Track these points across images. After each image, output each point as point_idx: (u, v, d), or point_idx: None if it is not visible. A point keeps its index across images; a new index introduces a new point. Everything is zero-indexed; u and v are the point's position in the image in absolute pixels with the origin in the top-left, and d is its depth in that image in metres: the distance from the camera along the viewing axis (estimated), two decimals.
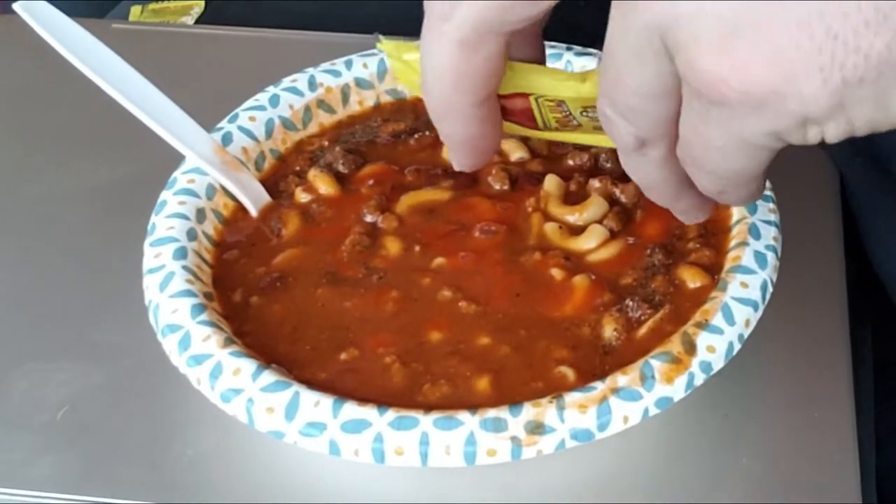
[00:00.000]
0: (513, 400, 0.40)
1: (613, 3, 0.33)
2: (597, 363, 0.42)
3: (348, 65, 0.55)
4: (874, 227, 0.57)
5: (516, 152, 0.51)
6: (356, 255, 0.47)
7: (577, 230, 0.47)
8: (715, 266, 0.45)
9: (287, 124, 0.53)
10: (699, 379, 0.41)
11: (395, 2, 0.80)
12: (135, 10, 0.83)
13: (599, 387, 0.40)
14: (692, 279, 0.45)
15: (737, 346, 0.42)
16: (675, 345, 0.41)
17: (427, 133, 0.53)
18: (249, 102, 0.53)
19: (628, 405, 0.39)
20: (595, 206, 0.48)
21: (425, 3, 0.39)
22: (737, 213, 0.47)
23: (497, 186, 0.50)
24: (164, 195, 0.48)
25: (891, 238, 0.56)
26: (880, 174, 0.55)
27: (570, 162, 0.51)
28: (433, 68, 0.39)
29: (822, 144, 0.32)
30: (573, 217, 0.48)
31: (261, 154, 0.52)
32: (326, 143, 0.53)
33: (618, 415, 0.39)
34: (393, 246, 0.47)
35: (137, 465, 0.44)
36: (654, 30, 0.31)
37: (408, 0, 0.80)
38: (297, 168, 0.52)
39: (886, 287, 0.57)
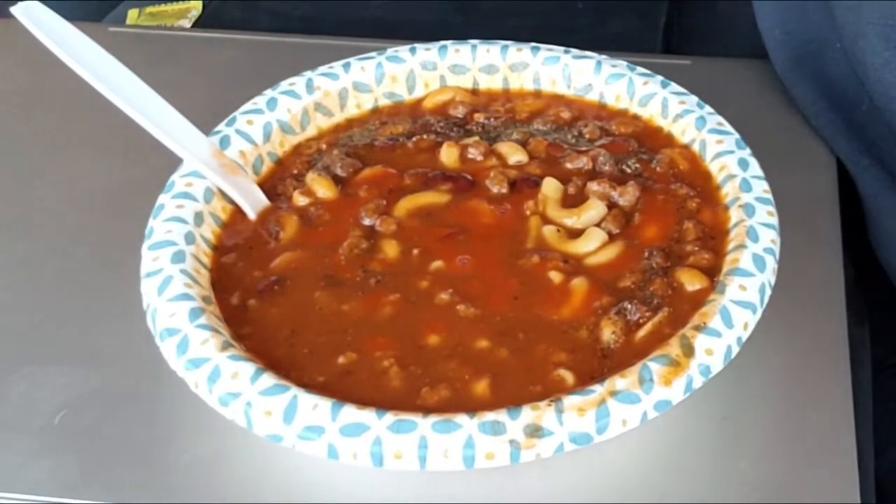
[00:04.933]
0: (511, 403, 0.40)
1: None
2: (595, 366, 0.42)
3: (346, 68, 0.55)
4: (879, 209, 0.57)
5: (515, 155, 0.51)
6: (354, 258, 0.47)
7: (575, 233, 0.47)
8: (713, 269, 0.45)
9: (285, 127, 0.53)
10: (698, 382, 0.41)
11: (394, 5, 0.81)
12: (132, 14, 0.83)
13: (598, 390, 0.40)
14: (691, 282, 0.45)
15: (735, 349, 0.42)
16: (673, 348, 0.41)
17: (425, 136, 0.53)
18: (247, 106, 0.53)
19: (627, 408, 0.39)
20: (593, 209, 0.48)
21: None
22: (735, 216, 0.47)
23: (495, 189, 0.50)
24: (162, 199, 0.48)
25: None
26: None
27: (569, 165, 0.51)
28: None
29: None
30: (571, 220, 0.48)
31: (258, 157, 0.52)
32: (324, 147, 0.53)
33: (616, 418, 0.39)
34: (391, 249, 0.47)
35: (136, 468, 0.44)
36: None
37: (406, 3, 0.81)
38: (295, 171, 0.52)
39: (888, 272, 0.57)
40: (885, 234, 0.57)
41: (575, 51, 0.56)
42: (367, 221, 0.49)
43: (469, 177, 0.50)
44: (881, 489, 0.50)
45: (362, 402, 0.40)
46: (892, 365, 0.59)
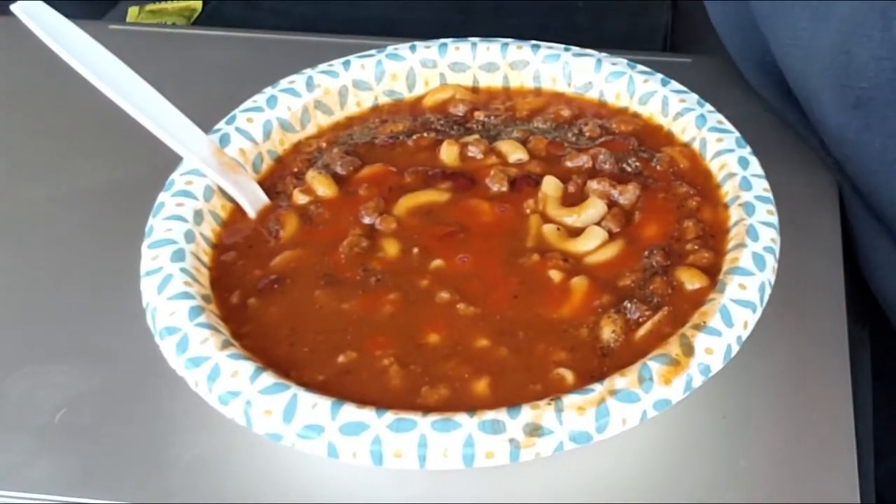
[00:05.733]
0: (511, 402, 0.40)
1: None
2: (595, 365, 0.42)
3: (346, 66, 0.55)
4: (872, 248, 0.56)
5: (515, 154, 0.51)
6: (354, 256, 0.47)
7: (575, 232, 0.47)
8: (713, 268, 0.45)
9: (285, 126, 0.53)
10: (697, 381, 0.41)
11: (394, 4, 0.81)
12: (132, 12, 0.84)
13: (598, 389, 0.40)
14: (690, 281, 0.45)
15: (735, 348, 0.42)
16: (673, 347, 0.41)
17: (425, 134, 0.53)
18: (247, 104, 0.53)
19: (626, 407, 0.39)
20: (593, 208, 0.48)
21: None
22: (735, 214, 0.47)
23: (495, 188, 0.50)
24: (162, 197, 0.48)
25: (888, 262, 0.56)
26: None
27: (569, 163, 0.51)
28: None
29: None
30: (571, 218, 0.48)
31: (258, 155, 0.52)
32: (324, 145, 0.53)
33: (616, 417, 0.39)
34: (391, 248, 0.47)
35: (135, 467, 0.44)
36: None
37: (406, 2, 0.81)
38: (295, 169, 0.52)
39: (887, 313, 0.57)
40: (872, 258, 0.57)
41: (575, 49, 0.56)
42: (367, 220, 0.49)
43: (469, 175, 0.50)
44: (881, 495, 0.50)
45: (362, 400, 0.40)
46: (891, 370, 0.59)
